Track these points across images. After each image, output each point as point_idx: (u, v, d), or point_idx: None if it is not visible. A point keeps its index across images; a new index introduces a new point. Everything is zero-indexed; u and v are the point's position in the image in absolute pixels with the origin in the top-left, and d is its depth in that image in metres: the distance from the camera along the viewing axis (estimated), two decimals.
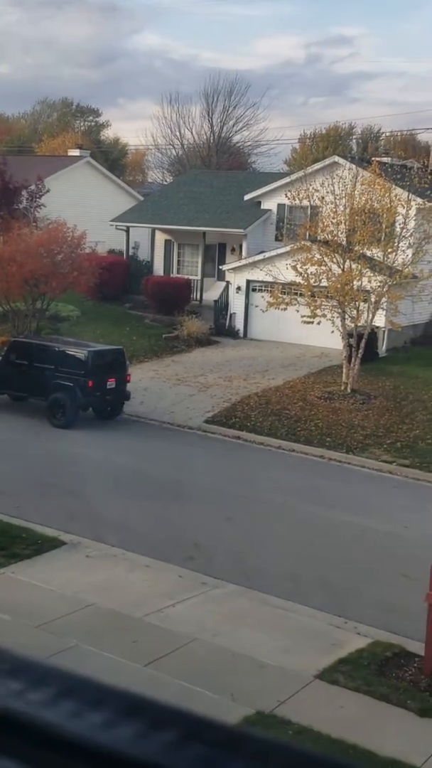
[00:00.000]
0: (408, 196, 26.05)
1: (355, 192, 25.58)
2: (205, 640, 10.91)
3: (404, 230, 25.47)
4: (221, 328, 33.28)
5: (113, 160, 64.23)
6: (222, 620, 11.60)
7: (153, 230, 39.16)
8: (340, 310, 25.23)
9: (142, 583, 12.79)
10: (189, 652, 10.55)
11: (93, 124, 77.61)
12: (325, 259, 25.18)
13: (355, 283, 24.85)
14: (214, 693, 9.50)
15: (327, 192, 25.75)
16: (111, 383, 22.55)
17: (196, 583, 12.85)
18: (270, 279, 28.93)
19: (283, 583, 13.05)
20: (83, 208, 39.02)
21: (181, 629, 11.16)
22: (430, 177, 27.06)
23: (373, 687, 9.85)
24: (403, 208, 25.39)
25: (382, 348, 30.19)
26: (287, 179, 33.86)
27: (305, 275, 25.13)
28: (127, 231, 38.80)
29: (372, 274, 25.60)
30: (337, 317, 25.38)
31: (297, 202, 27.90)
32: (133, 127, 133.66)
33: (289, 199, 28.91)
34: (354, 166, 28.60)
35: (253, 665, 10.32)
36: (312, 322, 25.99)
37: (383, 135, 67.88)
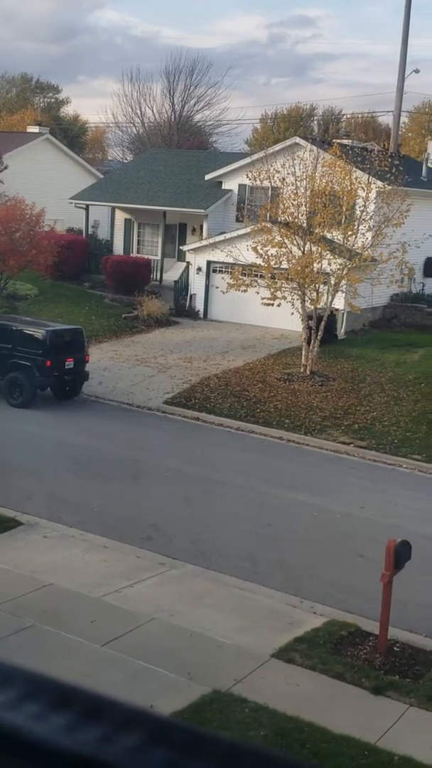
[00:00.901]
0: (368, 179, 26.14)
1: (316, 174, 25.59)
2: (162, 619, 10.95)
3: (364, 213, 25.57)
4: (181, 308, 33.19)
5: (73, 137, 63.45)
6: (180, 600, 11.65)
7: (113, 209, 38.82)
8: (300, 293, 25.31)
9: (100, 563, 12.78)
10: (146, 632, 10.59)
11: (53, 100, 76.53)
12: (286, 241, 25.20)
13: (315, 265, 24.92)
14: (171, 672, 9.55)
15: (288, 173, 25.74)
16: (69, 363, 22.38)
17: (154, 564, 12.88)
18: (230, 260, 28.89)
19: (241, 564, 13.14)
20: (42, 186, 38.54)
21: (139, 609, 11.18)
22: (390, 160, 27.11)
23: (328, 665, 9.98)
24: (364, 191, 25.48)
25: (341, 330, 30.37)
26: (248, 160, 33.74)
27: (266, 257, 25.13)
28: (87, 209, 38.40)
29: (332, 257, 25.68)
30: (297, 299, 25.46)
31: (258, 182, 27.83)
32: (94, 104, 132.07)
33: (250, 179, 28.83)
34: (315, 148, 28.59)
35: (211, 644, 10.39)
36: (272, 304, 26.04)
37: (344, 117, 68.02)
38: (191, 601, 11.64)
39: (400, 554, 10.37)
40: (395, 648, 10.51)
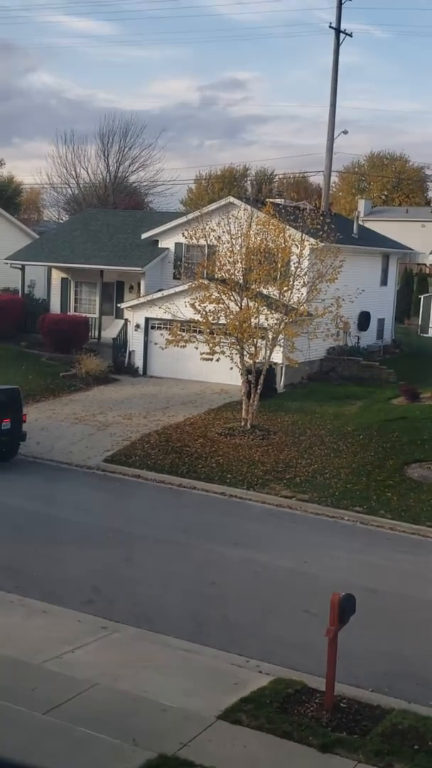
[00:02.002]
0: (301, 237, 26.72)
1: (251, 232, 26.07)
2: (105, 685, 10.66)
3: (299, 269, 26.07)
4: (120, 366, 33.14)
5: (8, 198, 63.52)
6: (123, 664, 11.37)
7: (49, 268, 38.85)
8: (238, 347, 25.54)
9: (40, 629, 12.43)
10: (89, 698, 10.28)
11: None
12: (223, 297, 25.50)
13: (252, 320, 25.22)
14: (115, 738, 9.27)
15: (223, 232, 26.16)
16: (6, 424, 22.06)
17: (95, 628, 12.58)
18: (169, 316, 29.06)
19: (185, 624, 12.93)
20: None
21: (81, 675, 10.87)
22: (322, 218, 27.81)
23: (275, 725, 9.81)
24: (297, 248, 26.01)
25: (281, 384, 30.66)
26: (184, 219, 34.25)
27: (204, 313, 25.36)
28: (23, 269, 38.37)
29: (269, 312, 26.05)
30: (236, 354, 25.67)
31: (194, 241, 28.21)
32: (28, 165, 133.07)
33: (186, 238, 29.20)
34: (249, 207, 29.18)
35: (155, 708, 10.13)
36: (211, 359, 26.19)
37: (277, 177, 69.70)
38: (135, 665, 11.37)
39: (345, 608, 10.32)
40: (342, 704, 10.39)
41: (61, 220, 58.21)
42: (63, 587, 14.13)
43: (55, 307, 38.03)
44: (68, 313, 37.07)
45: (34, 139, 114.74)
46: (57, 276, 38.44)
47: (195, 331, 27.09)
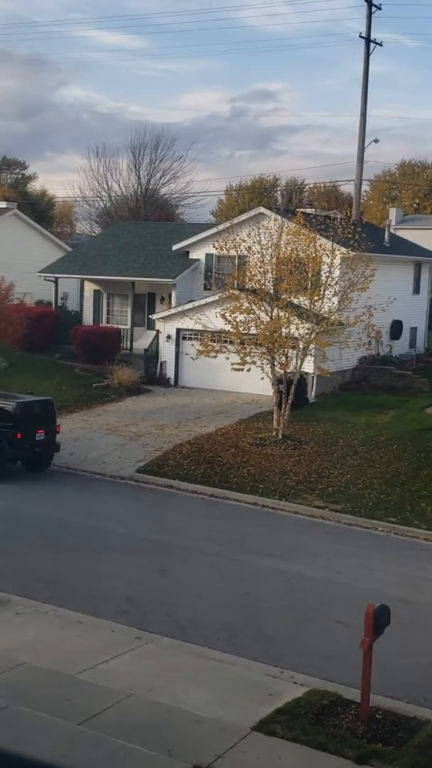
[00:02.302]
0: (332, 246, 26.69)
1: (281, 242, 26.10)
2: (140, 695, 10.68)
3: (330, 279, 26.03)
4: (152, 376, 33.28)
5: (41, 212, 64.22)
6: (157, 675, 11.39)
7: (82, 281, 39.19)
8: (269, 357, 25.54)
9: (75, 639, 12.50)
10: (124, 708, 10.31)
11: (20, 176, 77.60)
12: (254, 307, 25.53)
13: (283, 330, 25.22)
14: (150, 749, 9.29)
15: (253, 242, 26.22)
16: (40, 435, 22.25)
17: (129, 638, 12.61)
18: (200, 327, 29.15)
19: (219, 635, 12.92)
20: (11, 260, 38.82)
21: (116, 685, 10.91)
22: (352, 227, 27.76)
23: (310, 736, 9.76)
24: (328, 257, 25.98)
25: (312, 394, 30.58)
26: (214, 230, 34.38)
27: (234, 323, 25.41)
28: (56, 282, 38.73)
29: (300, 322, 26.03)
30: (267, 364, 25.66)
31: (224, 252, 28.30)
32: (61, 179, 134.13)
33: (216, 249, 29.29)
34: (279, 217, 29.22)
35: (190, 719, 10.13)
36: (242, 369, 26.22)
37: (307, 186, 69.67)
38: (169, 676, 11.39)
39: (380, 619, 10.26)
40: (377, 715, 10.32)
41: (94, 232, 58.70)
42: (97, 597, 14.20)
43: (88, 318, 38.33)
44: (101, 325, 37.34)
45: (66, 153, 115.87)
46: (89, 288, 38.76)
47: (226, 341, 27.15)
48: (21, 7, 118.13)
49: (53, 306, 39.07)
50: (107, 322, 37.87)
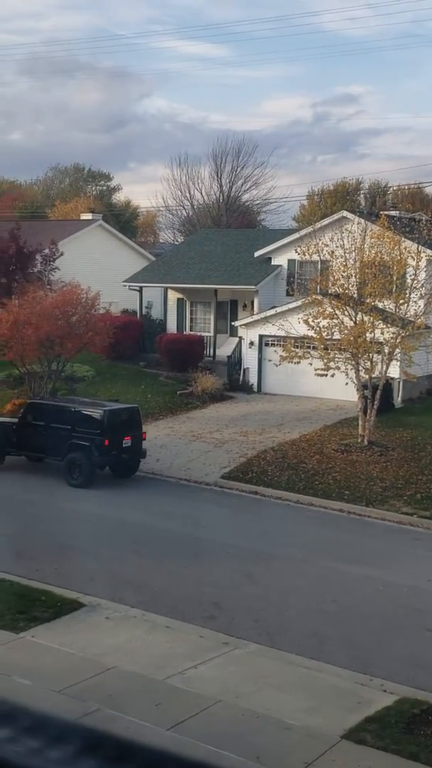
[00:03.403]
0: (417, 248, 26.26)
1: (365, 246, 25.83)
2: (228, 701, 10.71)
3: (415, 282, 25.62)
4: (235, 383, 33.36)
5: (125, 222, 65.28)
6: (245, 681, 11.40)
7: (165, 289, 39.63)
8: (353, 362, 25.28)
9: (163, 644, 12.62)
10: (213, 715, 10.35)
11: (104, 188, 79.09)
12: (337, 312, 25.32)
13: (367, 335, 24.94)
14: (239, 756, 9.29)
15: (336, 246, 26.02)
16: (127, 441, 22.57)
17: (217, 643, 12.66)
18: (282, 333, 29.07)
19: (306, 642, 12.85)
20: (96, 270, 39.54)
21: (204, 691, 10.96)
22: None
23: (401, 746, 9.61)
24: (413, 260, 25.57)
25: (398, 399, 30.13)
26: (296, 235, 34.25)
27: (317, 328, 25.26)
28: (140, 291, 39.26)
29: (384, 326, 25.67)
30: (351, 369, 25.41)
31: (307, 257, 28.16)
32: (144, 189, 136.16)
33: (299, 254, 29.18)
34: (362, 221, 28.95)
35: (279, 726, 10.10)
36: (326, 375, 26.01)
37: (391, 189, 68.74)
38: (257, 682, 11.38)
39: None
40: None
41: (176, 241, 59.32)
42: (184, 602, 14.30)
43: (172, 326, 38.72)
44: (184, 333, 37.67)
45: (149, 164, 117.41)
46: (173, 296, 39.17)
47: (309, 347, 27.01)
48: (104, 20, 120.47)
49: (138, 315, 39.62)
50: (190, 330, 38.18)
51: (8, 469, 23.22)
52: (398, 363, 26.76)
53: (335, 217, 33.43)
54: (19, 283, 32.46)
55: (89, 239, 44.90)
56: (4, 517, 18.96)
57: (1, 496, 20.83)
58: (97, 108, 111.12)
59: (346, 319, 25.30)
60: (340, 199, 64.24)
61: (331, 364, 25.28)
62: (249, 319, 33.96)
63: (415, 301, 25.69)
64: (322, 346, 25.43)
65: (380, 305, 25.99)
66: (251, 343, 33.52)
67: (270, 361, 32.18)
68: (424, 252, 27.00)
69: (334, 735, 9.91)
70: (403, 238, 26.17)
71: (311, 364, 27.01)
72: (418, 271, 25.61)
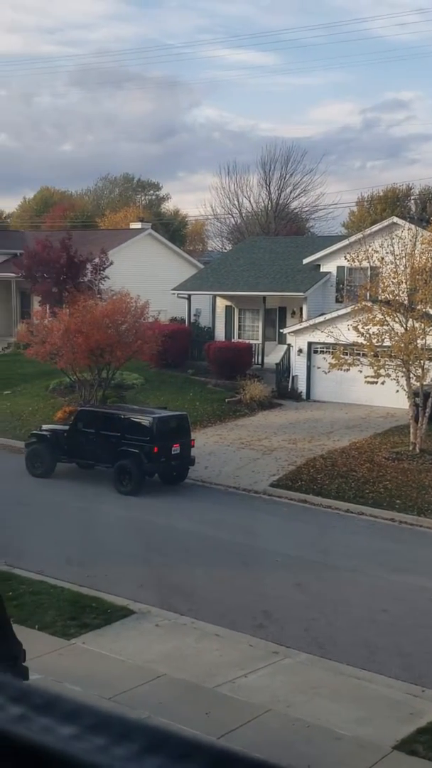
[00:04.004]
0: None
1: (416, 251, 25.58)
2: (278, 711, 10.65)
3: None
4: (284, 390, 33.26)
5: (174, 231, 65.68)
6: (295, 690, 11.33)
7: (214, 297, 39.71)
8: (404, 369, 25.02)
9: (213, 652, 12.60)
10: (263, 724, 10.31)
11: (153, 197, 79.72)
12: (387, 318, 25.10)
13: (419, 341, 24.67)
14: (290, 766, 9.23)
15: (386, 252, 25.81)
16: (176, 449, 22.64)
17: (267, 652, 12.61)
18: (331, 340, 28.90)
19: (357, 651, 12.72)
20: (146, 279, 39.84)
21: (254, 700, 10.92)
22: None
23: None
24: None
25: None
26: (346, 242, 34.07)
27: (367, 335, 25.06)
28: (189, 299, 39.41)
29: None
30: (402, 376, 25.15)
31: (356, 263, 27.97)
32: (193, 198, 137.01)
33: (348, 261, 29.02)
34: (413, 226, 28.67)
35: (329, 736, 10.01)
36: (376, 383, 25.79)
37: None
38: (307, 692, 11.30)
39: None
40: None
41: (225, 249, 59.44)
42: (234, 611, 14.27)
43: (220, 334, 38.78)
44: (232, 340, 37.70)
45: (198, 172, 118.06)
46: (221, 304, 39.24)
47: (359, 354, 26.81)
48: (153, 31, 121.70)
49: (186, 323, 39.77)
50: (239, 338, 38.19)
51: (59, 477, 23.47)
52: None
53: (385, 223, 33.18)
54: (70, 292, 32.83)
55: (138, 248, 45.26)
56: (55, 523, 19.16)
57: (52, 503, 21.05)
58: (146, 118, 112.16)
59: (397, 326, 25.07)
60: (390, 204, 63.77)
61: (382, 371, 25.05)
62: (297, 327, 33.85)
63: None
64: (372, 353, 25.22)
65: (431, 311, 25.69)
66: (300, 351, 33.39)
67: (319, 368, 32.02)
68: None
69: (386, 746, 9.78)
70: None
71: (361, 372, 26.79)
72: None
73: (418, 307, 25.14)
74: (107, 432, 22.69)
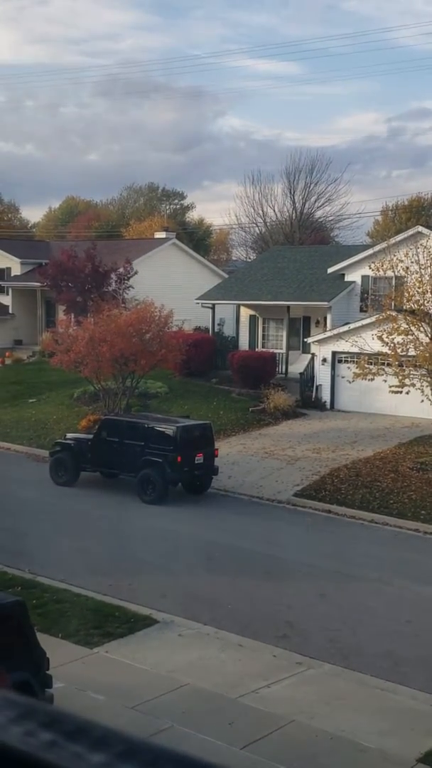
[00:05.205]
0: None
1: None
2: (302, 722, 10.60)
3: None
4: (307, 400, 33.17)
5: (198, 240, 65.85)
6: (319, 701, 11.27)
7: (238, 306, 39.74)
8: (429, 379, 24.88)
9: (236, 662, 12.57)
10: (286, 735, 10.26)
11: (178, 207, 80.00)
12: (412, 328, 24.98)
13: None
14: None
15: (411, 262, 25.73)
16: (199, 458, 22.64)
17: (290, 663, 12.55)
18: (356, 350, 28.81)
19: (381, 663, 12.63)
20: (170, 288, 39.98)
21: (277, 711, 10.88)
22: None
23: None
24: None
25: None
26: (370, 251, 34.01)
27: (392, 345, 24.96)
28: (213, 308, 39.45)
29: None
30: (427, 386, 25.00)
31: (381, 273, 27.90)
32: (217, 207, 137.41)
33: (373, 270, 28.95)
34: None
35: (353, 748, 9.95)
36: (400, 392, 25.66)
37: None
38: (331, 703, 11.24)
39: None
40: None
41: (249, 258, 59.49)
42: (257, 621, 14.23)
43: (244, 343, 38.79)
44: (256, 350, 37.69)
45: (222, 182, 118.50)
46: (245, 313, 39.26)
47: (383, 363, 26.70)
48: (179, 41, 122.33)
49: (210, 332, 39.82)
50: (262, 347, 38.18)
51: (83, 485, 23.55)
52: None
53: (410, 232, 33.06)
54: (95, 301, 33.02)
55: (163, 258, 45.43)
56: (79, 532, 19.22)
57: (76, 511, 21.12)
58: (171, 128, 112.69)
59: (422, 335, 24.95)
60: (415, 214, 63.56)
61: (407, 381, 24.93)
62: (322, 336, 33.78)
63: None
64: (397, 363, 25.11)
65: None
66: (324, 360, 33.31)
67: (343, 377, 31.90)
68: None
69: (410, 758, 9.70)
70: None
71: (385, 381, 26.68)
72: None
73: None
74: (131, 441, 22.74)
